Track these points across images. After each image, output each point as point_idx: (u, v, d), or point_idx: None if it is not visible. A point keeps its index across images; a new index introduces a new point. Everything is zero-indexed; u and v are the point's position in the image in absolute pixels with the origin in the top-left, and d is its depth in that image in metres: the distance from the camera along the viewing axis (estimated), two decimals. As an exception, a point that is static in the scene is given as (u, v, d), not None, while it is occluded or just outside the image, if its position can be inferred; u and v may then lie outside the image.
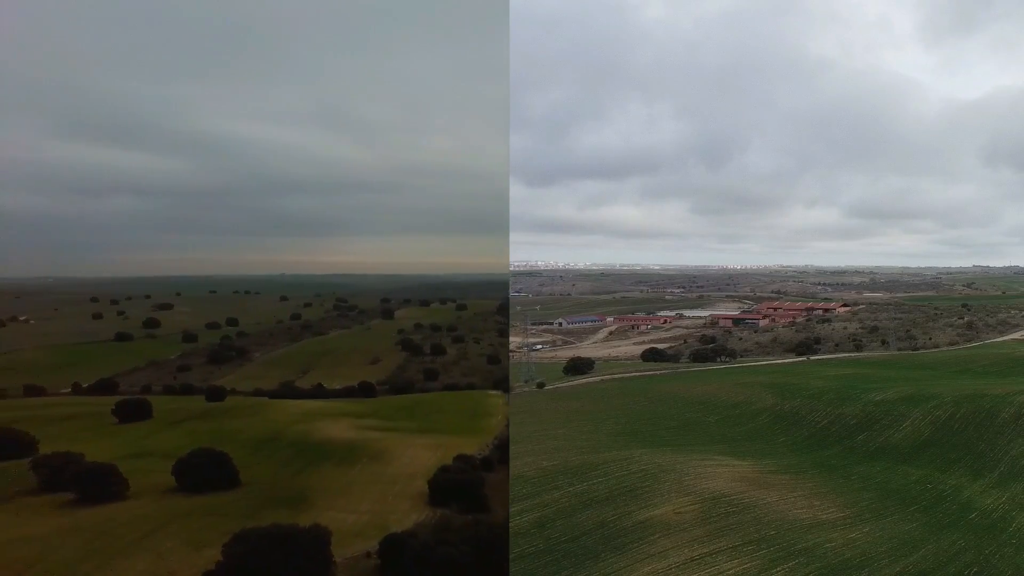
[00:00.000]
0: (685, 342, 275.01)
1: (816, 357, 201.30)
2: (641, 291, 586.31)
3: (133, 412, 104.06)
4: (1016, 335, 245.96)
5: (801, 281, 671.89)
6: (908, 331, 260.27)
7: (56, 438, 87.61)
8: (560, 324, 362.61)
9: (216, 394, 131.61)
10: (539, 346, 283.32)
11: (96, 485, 62.66)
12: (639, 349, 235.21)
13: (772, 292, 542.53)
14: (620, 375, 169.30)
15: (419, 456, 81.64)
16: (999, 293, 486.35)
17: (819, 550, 57.21)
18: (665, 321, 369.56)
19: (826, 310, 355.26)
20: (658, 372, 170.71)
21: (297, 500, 64.37)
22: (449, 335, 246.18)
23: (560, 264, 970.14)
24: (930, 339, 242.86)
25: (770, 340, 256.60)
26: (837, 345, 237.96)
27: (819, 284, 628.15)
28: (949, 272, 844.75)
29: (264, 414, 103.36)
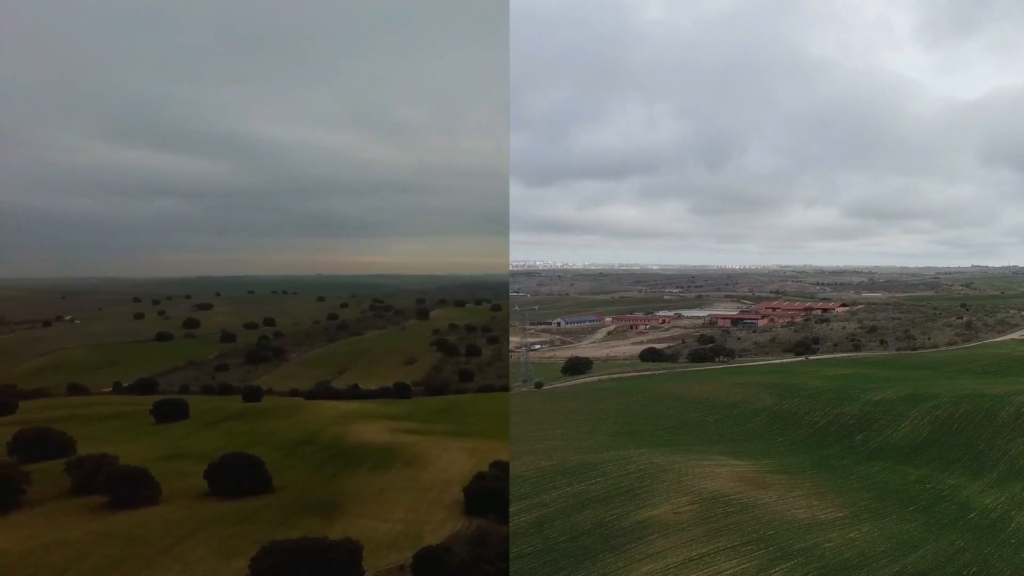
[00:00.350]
0: (683, 342, 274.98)
1: (815, 357, 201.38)
2: (639, 291, 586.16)
3: (170, 412, 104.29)
4: (1015, 335, 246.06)
5: (800, 281, 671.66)
6: (907, 331, 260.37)
7: (94, 438, 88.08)
8: (558, 324, 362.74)
9: (253, 394, 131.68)
10: (537, 346, 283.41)
11: (129, 488, 62.09)
12: (637, 349, 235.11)
13: (771, 292, 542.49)
14: (618, 375, 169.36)
15: (455, 461, 79.86)
16: (998, 293, 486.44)
17: (818, 550, 57.13)
18: (663, 321, 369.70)
19: (825, 310, 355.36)
20: (656, 372, 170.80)
21: (329, 507, 62.95)
22: (484, 335, 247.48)
23: (558, 264, 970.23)
24: (929, 339, 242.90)
25: (769, 340, 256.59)
26: (836, 345, 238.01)
27: (818, 284, 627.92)
28: (948, 272, 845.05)
29: (299, 415, 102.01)
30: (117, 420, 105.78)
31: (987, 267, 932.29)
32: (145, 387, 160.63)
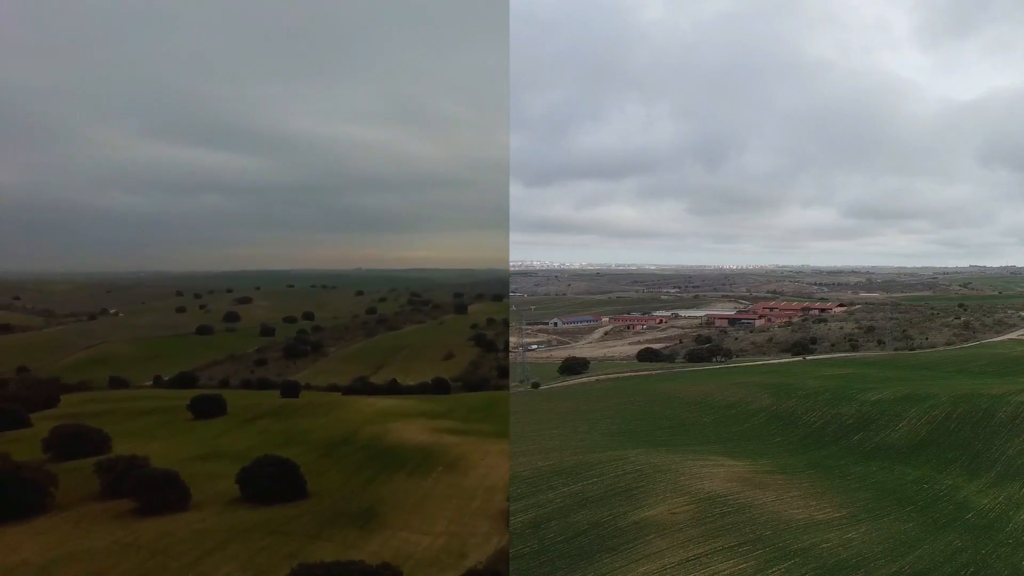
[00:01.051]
0: (681, 342, 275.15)
1: (812, 357, 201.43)
2: (636, 291, 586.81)
3: (208, 408, 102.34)
4: (1013, 335, 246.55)
5: (797, 281, 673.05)
6: (904, 331, 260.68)
7: (131, 434, 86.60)
8: (555, 324, 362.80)
9: (291, 390, 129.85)
10: (534, 346, 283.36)
11: (158, 493, 59.45)
12: (635, 349, 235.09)
13: (768, 292, 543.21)
14: (615, 375, 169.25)
15: (497, 466, 76.01)
16: (996, 293, 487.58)
17: (815, 550, 57.16)
18: (661, 321, 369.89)
19: (822, 310, 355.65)
20: (654, 372, 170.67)
21: (367, 517, 59.01)
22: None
23: (555, 264, 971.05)
24: (927, 339, 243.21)
25: (766, 340, 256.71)
26: (833, 345, 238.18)
27: (815, 284, 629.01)
28: (946, 272, 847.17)
29: (336, 413, 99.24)
30: (155, 416, 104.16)
31: (985, 267, 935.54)
32: (185, 381, 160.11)
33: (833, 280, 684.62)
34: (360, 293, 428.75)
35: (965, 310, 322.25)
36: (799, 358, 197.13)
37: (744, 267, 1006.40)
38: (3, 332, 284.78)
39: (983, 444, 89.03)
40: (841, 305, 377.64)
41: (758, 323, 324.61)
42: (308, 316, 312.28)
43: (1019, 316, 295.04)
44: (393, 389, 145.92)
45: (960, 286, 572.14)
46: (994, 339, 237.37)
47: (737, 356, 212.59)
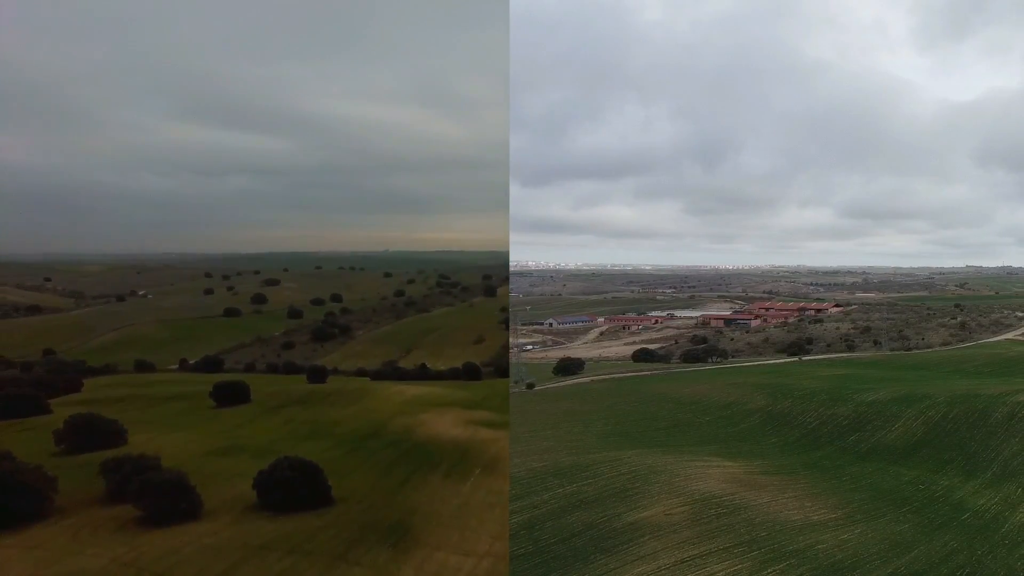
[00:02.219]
0: (676, 342, 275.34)
1: (808, 357, 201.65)
2: (632, 291, 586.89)
3: (231, 395, 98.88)
4: (1010, 335, 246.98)
5: (793, 281, 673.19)
6: (901, 331, 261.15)
7: (148, 424, 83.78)
8: (551, 324, 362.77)
9: (318, 375, 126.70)
10: (529, 346, 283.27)
11: (166, 500, 53.81)
12: (630, 349, 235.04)
13: (764, 292, 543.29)
14: (611, 375, 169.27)
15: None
16: (992, 293, 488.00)
17: (810, 551, 57.28)
18: (656, 321, 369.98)
19: (818, 310, 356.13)
20: (649, 372, 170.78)
21: (400, 530, 52.57)
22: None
23: (551, 264, 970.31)
24: (923, 339, 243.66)
25: (762, 340, 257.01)
26: (829, 345, 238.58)
27: (811, 284, 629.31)
28: (942, 272, 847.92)
29: (365, 402, 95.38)
30: (177, 402, 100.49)
31: (981, 267, 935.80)
32: (210, 365, 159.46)
33: (829, 280, 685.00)
34: (388, 275, 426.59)
35: (961, 310, 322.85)
36: (795, 358, 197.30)
37: (740, 267, 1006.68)
38: (32, 313, 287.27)
39: (979, 445, 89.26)
40: (837, 305, 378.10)
41: (754, 323, 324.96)
42: (336, 298, 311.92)
43: (1016, 316, 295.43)
44: (423, 374, 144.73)
45: (956, 286, 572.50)
46: (991, 339, 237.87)
47: (733, 356, 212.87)
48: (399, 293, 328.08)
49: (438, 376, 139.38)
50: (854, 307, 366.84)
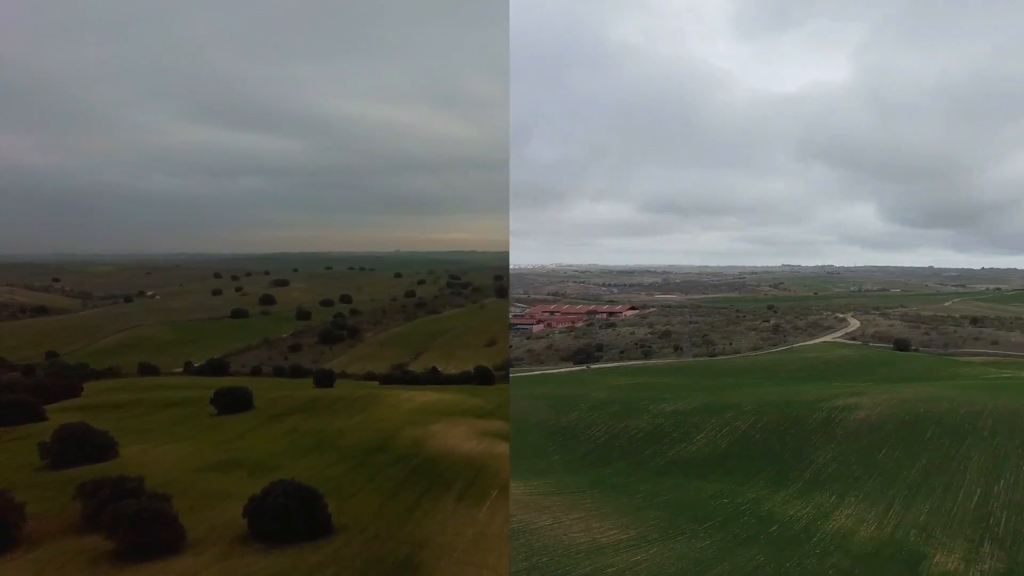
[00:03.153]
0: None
1: (598, 366, 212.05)
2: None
3: (233, 402, 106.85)
4: (827, 337, 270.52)
5: (583, 282, 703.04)
6: (705, 336, 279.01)
7: (142, 434, 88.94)
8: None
9: (325, 379, 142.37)
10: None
11: (143, 531, 54.40)
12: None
13: (548, 294, 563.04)
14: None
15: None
16: (810, 294, 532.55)
17: None
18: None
19: (611, 314, 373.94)
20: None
21: (410, 568, 52.37)
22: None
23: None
24: (730, 344, 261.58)
25: (545, 348, 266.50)
26: (623, 352, 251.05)
27: (604, 285, 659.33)
28: (755, 272, 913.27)
29: (372, 410, 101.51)
30: (177, 409, 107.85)
31: (799, 266, 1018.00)
32: (215, 368, 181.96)
33: (625, 280, 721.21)
34: (398, 275, 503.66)
35: (775, 312, 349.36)
36: (583, 367, 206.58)
37: (521, 267, 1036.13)
38: (38, 314, 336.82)
39: (791, 453, 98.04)
40: (633, 308, 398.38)
41: (536, 329, 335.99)
42: (345, 299, 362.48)
43: (835, 317, 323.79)
44: (434, 378, 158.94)
45: (771, 286, 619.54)
46: (807, 343, 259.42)
47: (512, 366, 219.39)
48: (409, 294, 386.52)
49: (449, 380, 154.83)
50: (652, 309, 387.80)
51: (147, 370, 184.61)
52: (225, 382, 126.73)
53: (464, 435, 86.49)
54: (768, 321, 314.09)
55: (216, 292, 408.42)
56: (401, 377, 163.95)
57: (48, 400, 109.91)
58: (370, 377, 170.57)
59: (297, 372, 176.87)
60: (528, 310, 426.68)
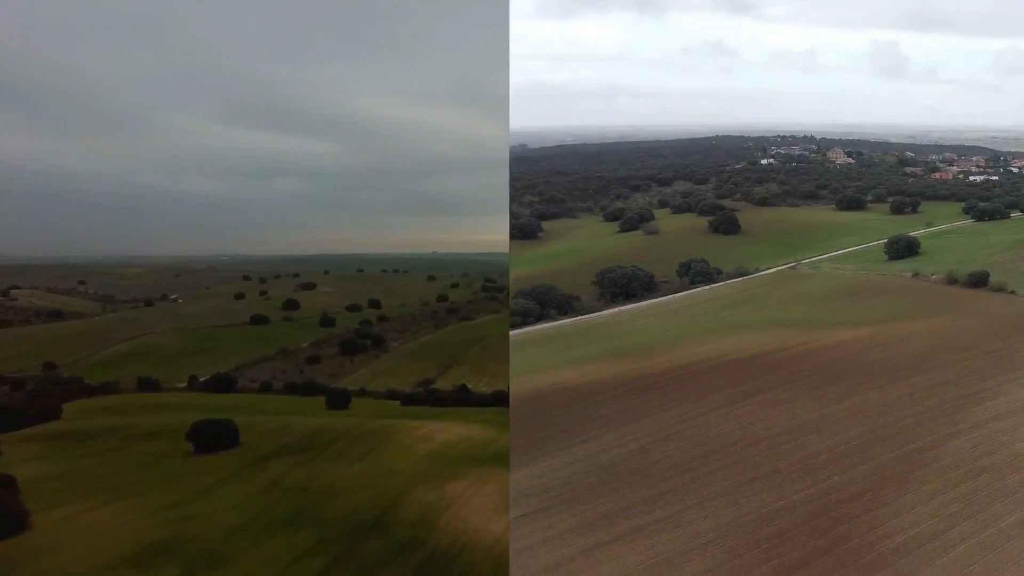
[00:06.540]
0: None
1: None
2: None
3: (214, 438, 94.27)
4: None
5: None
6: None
7: (84, 486, 77.29)
8: None
9: (339, 399, 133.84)
10: None
11: None
12: None
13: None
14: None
15: None
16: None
17: None
18: None
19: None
20: None
21: None
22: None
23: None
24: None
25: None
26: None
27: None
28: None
29: (378, 454, 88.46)
30: (149, 444, 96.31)
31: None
32: (221, 383, 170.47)
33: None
34: (432, 278, 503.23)
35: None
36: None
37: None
38: (52, 319, 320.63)
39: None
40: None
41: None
42: (374, 304, 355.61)
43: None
44: (462, 398, 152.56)
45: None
46: None
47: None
48: (442, 298, 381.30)
49: (480, 402, 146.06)
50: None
51: (146, 385, 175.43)
52: (226, 401, 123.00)
53: (495, 505, 67.75)
54: None
55: (239, 296, 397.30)
56: (425, 397, 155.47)
57: (16, 426, 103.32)
58: (391, 396, 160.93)
59: (310, 389, 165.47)
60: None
